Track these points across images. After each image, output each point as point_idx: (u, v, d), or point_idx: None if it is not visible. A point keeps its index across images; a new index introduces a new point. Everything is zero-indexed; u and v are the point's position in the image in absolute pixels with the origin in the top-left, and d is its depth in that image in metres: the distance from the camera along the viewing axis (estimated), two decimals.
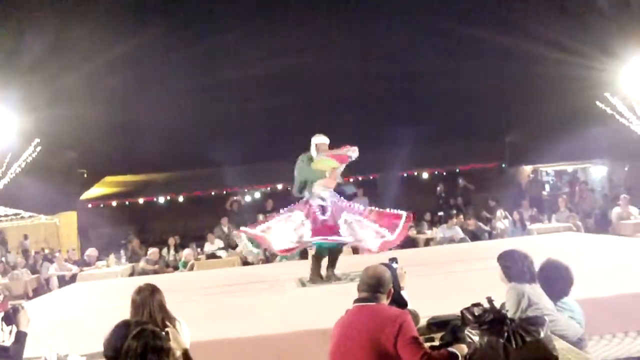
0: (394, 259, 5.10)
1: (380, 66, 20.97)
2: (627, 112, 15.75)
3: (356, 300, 4.15)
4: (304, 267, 9.95)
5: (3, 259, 16.23)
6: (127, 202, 23.16)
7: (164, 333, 3.91)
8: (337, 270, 9.51)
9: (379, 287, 4.13)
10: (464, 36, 17.98)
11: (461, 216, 16.40)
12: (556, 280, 4.98)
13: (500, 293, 4.62)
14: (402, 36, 19.63)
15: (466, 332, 3.98)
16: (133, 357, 3.25)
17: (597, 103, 15.95)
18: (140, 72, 19.04)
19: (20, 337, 4.86)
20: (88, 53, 17.62)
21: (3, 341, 4.90)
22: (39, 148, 16.33)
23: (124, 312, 4.69)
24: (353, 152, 9.32)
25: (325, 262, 9.47)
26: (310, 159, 9.37)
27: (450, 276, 8.98)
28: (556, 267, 5.08)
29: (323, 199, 9.24)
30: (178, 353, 4.05)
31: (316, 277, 9.37)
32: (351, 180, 19.71)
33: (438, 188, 20.52)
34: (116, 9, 18.19)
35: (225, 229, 17.24)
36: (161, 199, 23.20)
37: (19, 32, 16.68)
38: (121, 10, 18.24)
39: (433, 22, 18.13)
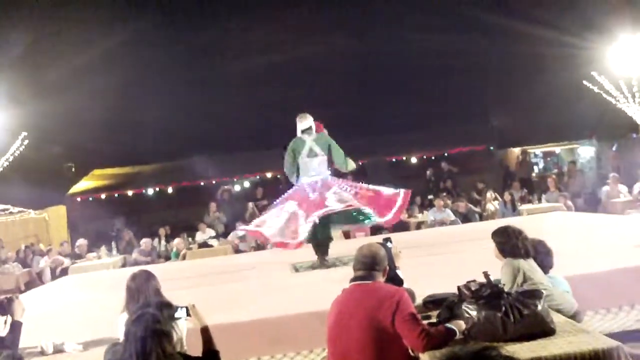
0: (387, 239, 5.09)
1: (366, 52, 20.96)
2: (614, 91, 15.78)
3: (352, 279, 4.15)
4: (296, 254, 9.92)
5: None
6: (116, 195, 23.03)
7: (186, 307, 3.96)
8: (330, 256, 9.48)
9: (375, 265, 4.13)
10: (449, 18, 17.98)
11: (446, 200, 16.41)
12: (535, 255, 4.98)
13: (494, 273, 4.61)
14: (385, 20, 19.61)
15: (463, 307, 3.97)
16: (133, 341, 3.25)
17: (584, 82, 15.96)
18: (127, 65, 18.97)
19: (16, 327, 4.84)
20: (74, 47, 17.52)
21: None
22: (26, 142, 16.22)
23: (118, 302, 4.67)
24: None
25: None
26: None
27: (443, 257, 9.00)
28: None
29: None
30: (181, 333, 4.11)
31: (323, 261, 9.31)
32: None
33: (428, 172, 20.56)
34: (102, 3, 18.09)
35: (214, 216, 17.27)
36: (150, 191, 23.09)
37: (4, 25, 16.54)
38: (107, 4, 18.14)
39: (417, 3, 18.12)
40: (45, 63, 17.20)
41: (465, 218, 15.35)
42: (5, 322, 4.89)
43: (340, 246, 10.32)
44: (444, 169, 20.05)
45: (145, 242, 15.63)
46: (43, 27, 16.55)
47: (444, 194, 17.73)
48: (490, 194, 16.48)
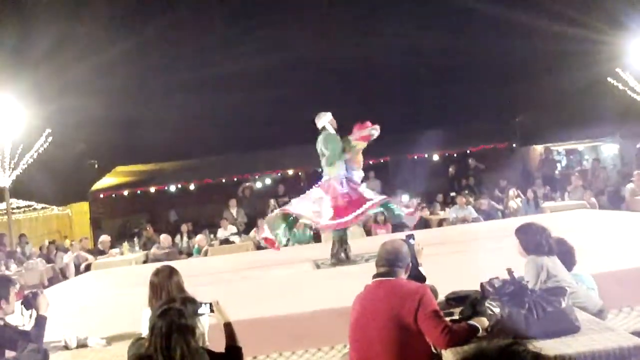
0: (410, 236, 5.07)
1: (388, 50, 20.91)
2: (639, 88, 15.61)
3: (375, 276, 4.14)
4: (318, 250, 9.92)
5: (18, 248, 16.27)
6: (138, 191, 23.13)
7: (209, 303, 3.98)
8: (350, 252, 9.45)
9: (397, 261, 4.12)
10: (472, 14, 17.89)
11: (468, 197, 16.32)
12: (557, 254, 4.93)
13: (517, 270, 4.57)
14: (409, 16, 19.55)
15: (487, 304, 3.96)
16: (158, 335, 3.27)
17: (609, 79, 15.81)
18: (149, 64, 19.09)
19: (40, 321, 4.89)
20: (97, 46, 17.65)
21: (23, 325, 4.93)
22: (50, 139, 16.36)
23: (141, 298, 4.69)
24: (376, 131, 9.38)
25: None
26: (346, 140, 9.34)
27: (465, 254, 8.97)
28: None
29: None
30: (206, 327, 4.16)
31: (338, 258, 9.31)
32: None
33: (450, 169, 20.50)
34: (124, 3, 18.21)
35: (234, 212, 17.31)
36: (172, 188, 23.17)
37: (29, 25, 16.69)
38: (128, 4, 18.26)
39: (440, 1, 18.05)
40: (69, 62, 17.32)
41: (488, 215, 15.28)
42: (30, 317, 4.94)
43: (362, 243, 10.32)
44: (471, 165, 19.99)
45: (164, 237, 15.68)
46: (67, 26, 16.68)
47: (466, 191, 17.65)
48: (512, 192, 16.38)
